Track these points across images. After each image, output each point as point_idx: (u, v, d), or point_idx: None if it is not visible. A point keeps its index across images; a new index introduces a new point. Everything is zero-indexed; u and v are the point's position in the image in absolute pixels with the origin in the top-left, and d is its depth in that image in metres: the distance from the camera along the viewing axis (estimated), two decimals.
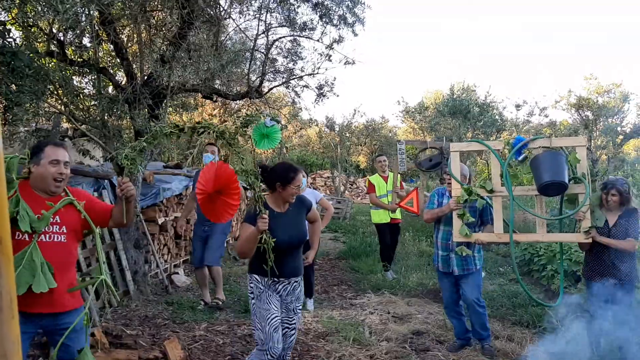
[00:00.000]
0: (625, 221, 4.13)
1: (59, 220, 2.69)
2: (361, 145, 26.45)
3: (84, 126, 6.44)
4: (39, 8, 5.06)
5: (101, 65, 6.16)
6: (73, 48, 5.98)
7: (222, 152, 9.15)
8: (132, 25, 6.23)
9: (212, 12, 5.99)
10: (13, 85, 5.12)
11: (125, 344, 4.13)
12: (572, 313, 4.37)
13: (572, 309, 4.40)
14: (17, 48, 5.19)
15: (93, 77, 6.66)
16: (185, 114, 11.77)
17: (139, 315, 5.20)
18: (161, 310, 5.45)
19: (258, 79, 7.11)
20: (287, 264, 3.37)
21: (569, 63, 74.36)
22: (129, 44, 6.57)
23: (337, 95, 9.97)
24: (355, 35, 6.95)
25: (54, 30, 5.74)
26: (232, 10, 6.51)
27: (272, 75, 7.58)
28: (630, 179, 13.12)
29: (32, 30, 5.85)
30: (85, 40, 5.91)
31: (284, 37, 7.19)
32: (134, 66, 6.06)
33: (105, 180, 5.81)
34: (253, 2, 6.80)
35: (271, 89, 7.86)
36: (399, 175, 7.34)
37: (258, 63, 7.27)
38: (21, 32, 5.84)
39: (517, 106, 23.17)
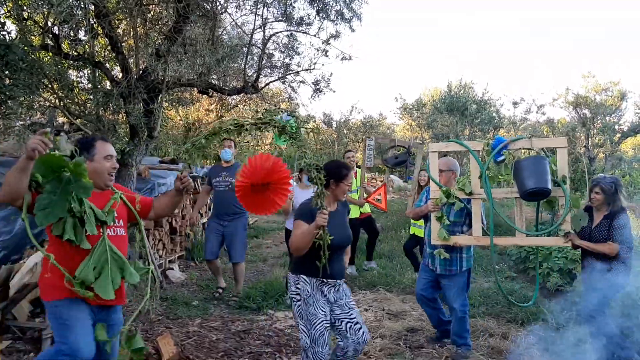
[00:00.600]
0: (608, 222, 4.06)
1: (116, 214, 2.78)
2: (359, 142, 26.44)
3: (79, 120, 6.41)
4: (34, 1, 5.02)
5: (97, 60, 6.11)
6: (68, 41, 5.94)
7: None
8: (127, 19, 6.19)
9: (208, 7, 5.94)
10: (7, 78, 5.08)
11: None
12: (567, 311, 4.37)
13: (567, 307, 4.39)
14: (12, 41, 5.15)
15: (88, 71, 6.63)
16: (181, 108, 11.73)
17: (132, 311, 5.17)
18: (155, 306, 5.42)
19: (254, 74, 7.07)
20: (336, 264, 3.33)
21: (567, 59, 74.69)
22: (125, 38, 6.52)
23: (334, 91, 9.91)
24: (353, 30, 6.89)
25: (49, 24, 5.69)
26: (228, 4, 6.46)
27: (268, 70, 7.53)
28: (627, 178, 13.15)
29: (27, 23, 5.80)
30: (81, 34, 5.87)
31: (280, 32, 7.14)
32: (130, 60, 6.01)
33: None
34: None
35: (267, 84, 7.79)
36: (367, 171, 7.42)
37: (255, 58, 7.24)
38: (16, 26, 5.79)
39: (515, 103, 23.29)
